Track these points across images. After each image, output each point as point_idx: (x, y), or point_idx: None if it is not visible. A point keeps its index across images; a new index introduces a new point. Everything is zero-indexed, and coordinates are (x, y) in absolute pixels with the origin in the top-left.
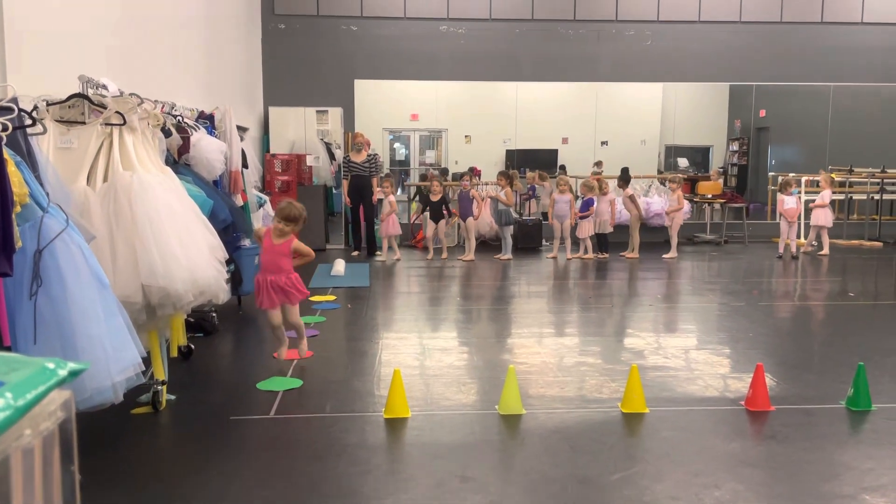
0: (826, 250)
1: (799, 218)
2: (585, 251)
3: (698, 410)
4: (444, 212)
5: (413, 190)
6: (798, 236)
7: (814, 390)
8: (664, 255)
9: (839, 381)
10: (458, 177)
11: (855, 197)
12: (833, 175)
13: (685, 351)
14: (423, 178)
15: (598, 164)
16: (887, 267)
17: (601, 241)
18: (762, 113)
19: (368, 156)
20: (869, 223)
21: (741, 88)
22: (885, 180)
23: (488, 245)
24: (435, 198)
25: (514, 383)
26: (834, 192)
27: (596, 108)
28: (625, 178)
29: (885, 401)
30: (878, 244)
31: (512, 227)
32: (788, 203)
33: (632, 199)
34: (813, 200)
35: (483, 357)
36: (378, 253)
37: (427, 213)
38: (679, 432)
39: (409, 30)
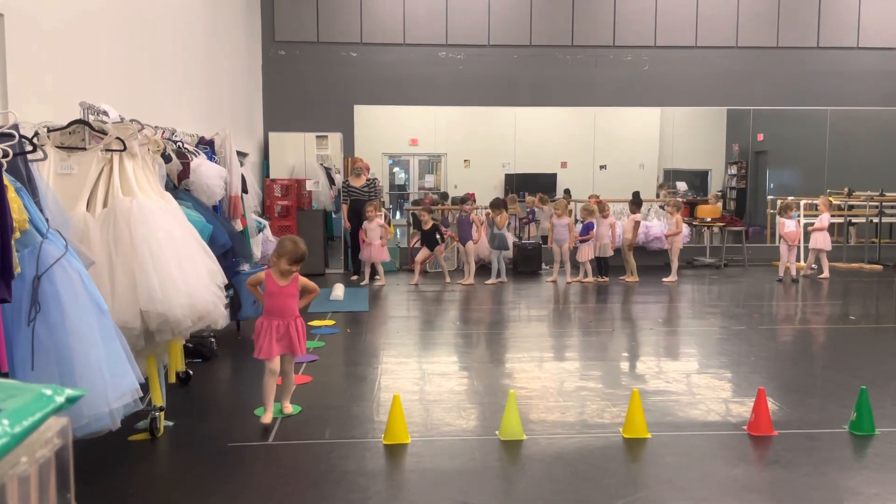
0: (826, 273)
1: (799, 241)
2: (585, 275)
3: (700, 435)
4: (438, 237)
5: (412, 214)
6: (798, 259)
7: (816, 415)
8: (664, 279)
9: (842, 406)
10: (458, 201)
11: (854, 220)
12: (831, 199)
13: (686, 375)
14: (417, 203)
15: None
16: (888, 290)
17: (601, 265)
18: (760, 137)
19: (368, 180)
20: (868, 246)
21: (739, 113)
22: (884, 203)
23: (488, 269)
24: (426, 226)
25: (514, 408)
26: (833, 216)
27: (594, 132)
28: (637, 202)
29: (888, 425)
30: (879, 267)
31: (503, 252)
32: (788, 226)
33: (636, 225)
34: (812, 224)
35: (483, 382)
36: (359, 277)
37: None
38: (681, 458)
39: (408, 56)
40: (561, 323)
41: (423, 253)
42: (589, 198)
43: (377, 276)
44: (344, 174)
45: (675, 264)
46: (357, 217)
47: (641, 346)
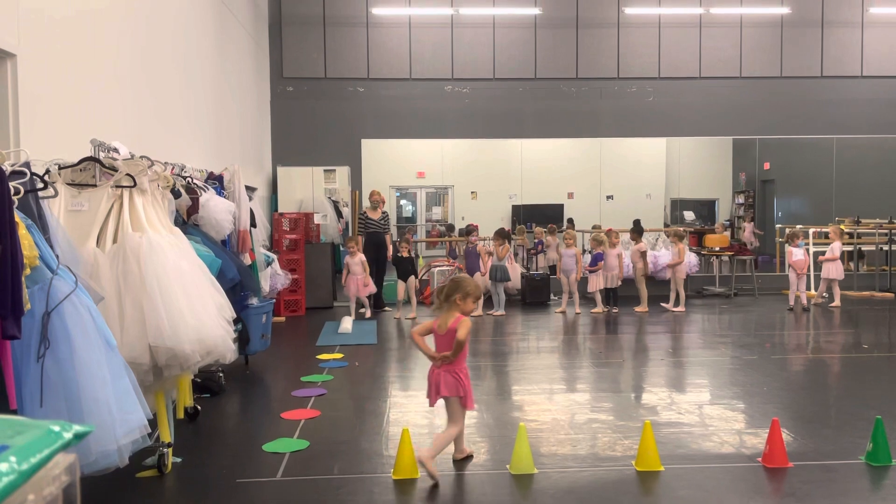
0: (837, 302)
1: (808, 269)
2: (594, 305)
3: (715, 468)
4: (412, 267)
5: (422, 246)
6: (808, 288)
7: (832, 445)
8: (672, 308)
9: (857, 436)
10: (464, 233)
11: (864, 248)
12: (842, 227)
13: (699, 406)
14: (402, 232)
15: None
16: None
17: (609, 295)
18: (766, 166)
19: (383, 213)
20: (879, 274)
21: (744, 142)
22: (893, 231)
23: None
24: (403, 254)
25: (525, 442)
26: (844, 244)
27: (600, 163)
28: (637, 231)
29: None
30: (890, 295)
31: (505, 284)
32: (796, 255)
33: (643, 253)
34: (822, 252)
35: (493, 415)
36: (359, 311)
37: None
38: (696, 491)
39: (414, 90)
40: (570, 354)
41: (401, 286)
42: (593, 228)
43: (363, 309)
44: (351, 207)
45: (682, 294)
46: (374, 249)
47: (653, 377)
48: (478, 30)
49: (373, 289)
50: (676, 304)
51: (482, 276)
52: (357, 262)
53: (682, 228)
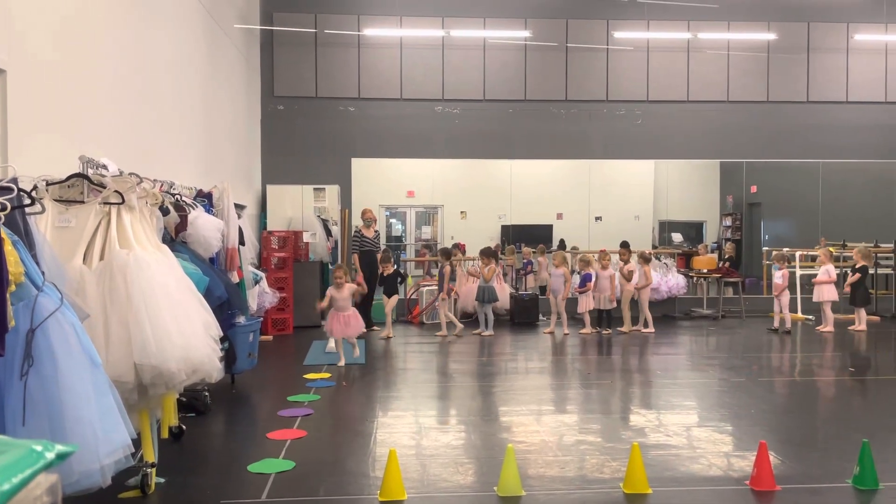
0: (830, 327)
1: (797, 291)
2: (583, 326)
3: (702, 491)
4: (399, 281)
5: (411, 265)
6: (794, 310)
7: (819, 469)
8: (642, 329)
9: (844, 459)
10: (443, 253)
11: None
12: (831, 249)
13: (687, 428)
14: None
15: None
16: (886, 341)
17: (601, 317)
18: (753, 189)
19: (376, 232)
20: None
21: (732, 165)
22: (878, 254)
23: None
24: (387, 272)
25: (512, 463)
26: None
27: (589, 184)
28: (628, 251)
29: (891, 479)
30: (876, 318)
31: (493, 305)
32: (775, 278)
33: (628, 274)
34: (814, 275)
35: (480, 436)
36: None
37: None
38: None
39: (405, 110)
40: (558, 375)
41: (388, 303)
42: (572, 249)
43: (378, 328)
44: (341, 226)
45: (648, 315)
46: (369, 267)
47: (640, 399)
48: (468, 52)
49: (359, 328)
50: (645, 325)
51: (444, 300)
52: (345, 296)
53: (648, 251)
